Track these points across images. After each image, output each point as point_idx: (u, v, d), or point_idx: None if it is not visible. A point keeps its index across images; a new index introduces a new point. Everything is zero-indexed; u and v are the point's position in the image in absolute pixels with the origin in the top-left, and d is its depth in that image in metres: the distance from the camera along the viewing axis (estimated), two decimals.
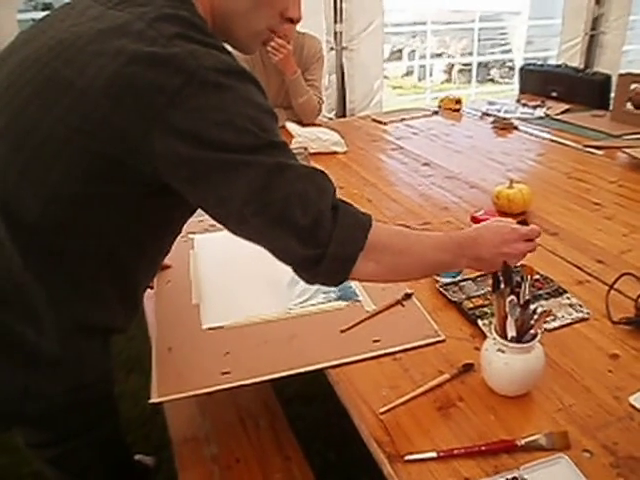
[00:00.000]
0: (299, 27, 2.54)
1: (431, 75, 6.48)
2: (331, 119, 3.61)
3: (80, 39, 0.82)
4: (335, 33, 3.59)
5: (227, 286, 1.22)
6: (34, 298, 0.88)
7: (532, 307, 0.91)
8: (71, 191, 0.84)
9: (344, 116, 3.77)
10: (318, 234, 0.82)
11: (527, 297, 0.90)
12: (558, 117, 2.64)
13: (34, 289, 0.88)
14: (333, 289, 1.26)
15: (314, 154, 2.13)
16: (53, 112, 0.81)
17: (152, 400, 0.99)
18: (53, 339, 0.91)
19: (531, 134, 2.43)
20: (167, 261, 1.40)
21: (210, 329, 1.15)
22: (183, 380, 1.01)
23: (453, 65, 8.23)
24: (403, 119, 2.77)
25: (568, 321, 1.12)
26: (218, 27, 0.92)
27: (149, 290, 1.39)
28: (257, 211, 0.81)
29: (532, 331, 0.90)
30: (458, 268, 1.01)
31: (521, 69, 3.32)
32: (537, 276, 1.25)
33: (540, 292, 1.20)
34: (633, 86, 2.45)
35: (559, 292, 1.21)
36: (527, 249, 0.99)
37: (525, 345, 0.89)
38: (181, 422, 1.42)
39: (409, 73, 8.53)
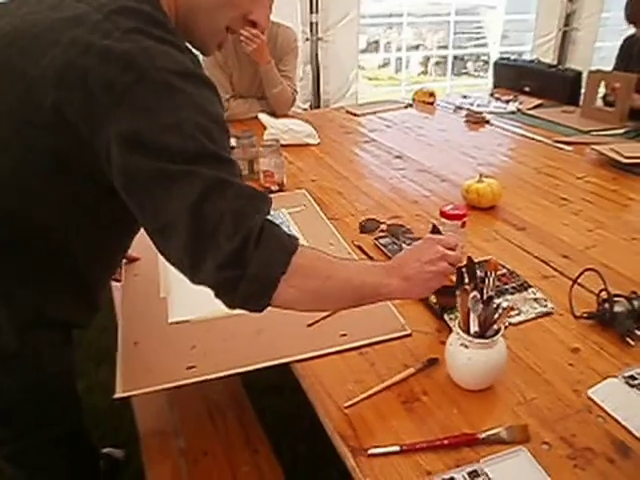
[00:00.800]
0: (273, 17, 2.52)
1: (407, 67, 6.49)
2: (305, 110, 3.60)
3: (35, 27, 0.80)
4: (311, 23, 3.57)
5: None
6: None
7: (496, 302, 0.92)
8: (20, 183, 0.82)
9: (319, 107, 3.76)
10: (241, 255, 0.79)
11: (491, 293, 0.91)
12: (530, 112, 2.67)
13: None
14: None
15: (286, 146, 2.12)
16: (3, 101, 0.80)
17: (116, 395, 0.98)
18: (9, 333, 0.90)
19: (503, 128, 2.45)
20: (135, 253, 1.38)
21: (177, 323, 1.15)
22: (148, 375, 1.01)
23: (429, 57, 8.25)
24: (377, 111, 2.77)
25: (532, 315, 1.14)
26: (181, 24, 0.90)
27: (117, 283, 1.37)
28: (187, 225, 0.78)
29: (495, 326, 0.91)
30: (390, 294, 0.96)
31: (495, 63, 3.34)
32: (504, 270, 1.27)
33: (506, 287, 1.22)
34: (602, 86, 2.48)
35: (524, 287, 1.22)
36: (447, 252, 0.98)
37: (488, 341, 0.90)
38: (149, 415, 1.41)
39: (385, 65, 8.52)
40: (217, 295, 0.84)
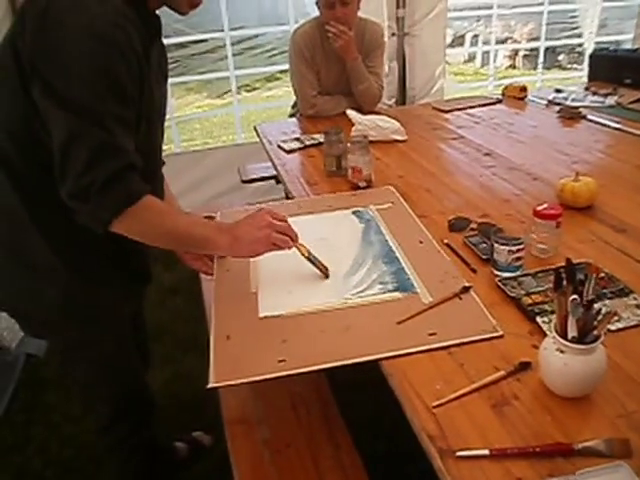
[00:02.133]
0: (361, 13, 2.52)
1: (495, 61, 6.29)
2: (390, 106, 3.57)
3: None
4: (397, 18, 3.53)
5: (285, 275, 1.23)
6: (24, 215, 1.11)
7: (596, 307, 0.88)
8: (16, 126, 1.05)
9: (404, 104, 3.72)
10: (83, 194, 1.00)
11: (591, 296, 0.87)
12: (631, 106, 2.51)
13: (21, 208, 1.11)
14: (390, 280, 1.26)
15: (373, 142, 2.11)
16: None
17: (210, 385, 1.02)
18: (48, 252, 1.14)
19: (600, 124, 2.32)
20: None
21: (267, 317, 1.17)
22: (240, 367, 1.03)
23: (517, 51, 7.94)
24: (464, 107, 2.70)
25: (634, 323, 1.07)
26: None
27: (209, 277, 1.43)
28: (57, 157, 1.01)
29: (595, 332, 0.86)
30: (218, 248, 1.19)
31: (591, 55, 3.17)
32: (602, 274, 1.20)
33: (604, 291, 1.16)
34: None
35: (625, 292, 1.16)
36: (274, 222, 1.17)
37: (586, 346, 0.86)
38: (235, 405, 1.46)
39: (471, 59, 8.30)
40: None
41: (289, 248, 1.22)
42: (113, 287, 1.26)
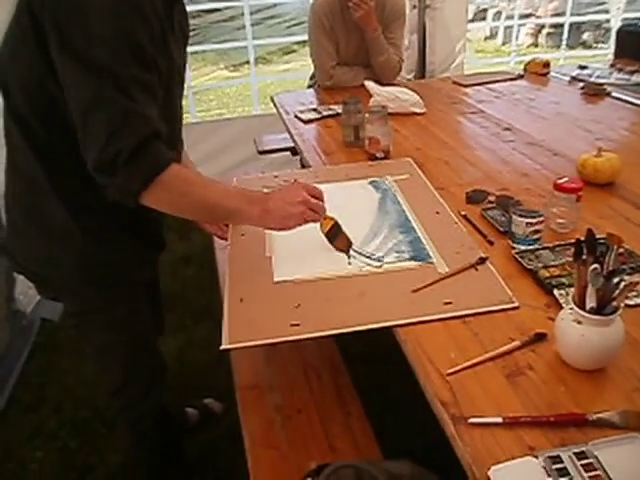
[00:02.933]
0: None
1: (517, 38, 6.15)
2: (410, 80, 3.52)
3: None
4: None
5: (301, 240, 1.23)
6: (40, 176, 1.10)
7: (615, 280, 0.86)
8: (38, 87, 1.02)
9: (423, 77, 3.66)
10: (110, 166, 0.96)
11: (611, 267, 0.85)
12: None
13: (38, 169, 1.10)
14: (406, 249, 1.25)
15: (392, 114, 2.07)
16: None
17: (223, 346, 1.02)
18: (62, 212, 1.13)
19: (625, 101, 2.26)
20: None
21: (281, 282, 1.17)
22: (253, 329, 1.04)
23: (541, 28, 7.77)
24: (485, 82, 2.65)
25: None
26: None
27: (222, 241, 1.43)
28: (78, 124, 0.98)
29: (614, 304, 0.85)
30: (247, 220, 1.16)
31: (619, 30, 3.10)
32: (621, 250, 1.18)
33: (623, 267, 1.14)
34: None
35: None
36: (309, 199, 1.15)
37: (605, 318, 0.85)
38: (247, 370, 1.47)
39: (493, 36, 8.14)
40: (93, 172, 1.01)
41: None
42: (127, 253, 1.26)
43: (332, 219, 1.23)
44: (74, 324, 1.34)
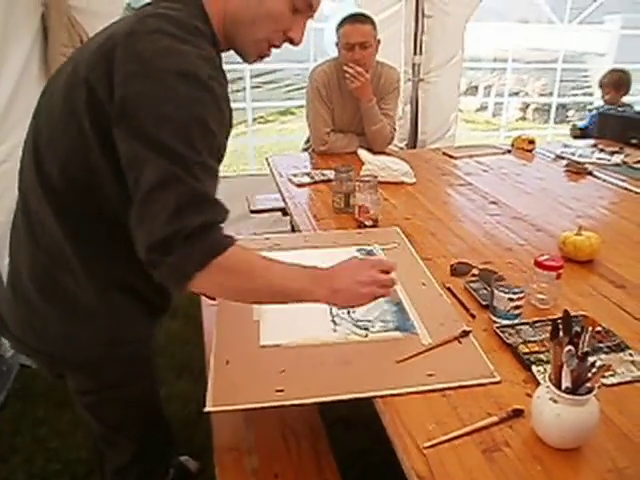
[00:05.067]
0: (378, 57, 2.60)
1: (507, 111, 6.41)
2: (402, 149, 3.64)
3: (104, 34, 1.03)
4: (413, 65, 3.63)
5: (288, 306, 1.25)
6: (67, 252, 1.05)
7: (591, 360, 0.89)
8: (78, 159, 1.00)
9: (415, 147, 3.78)
10: (167, 243, 0.91)
11: (586, 349, 0.88)
12: (636, 165, 2.56)
13: (66, 244, 1.05)
14: (391, 319, 1.28)
15: (382, 183, 2.15)
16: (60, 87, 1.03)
17: (207, 409, 1.02)
18: (88, 291, 1.08)
19: (606, 181, 2.36)
20: None
21: (268, 346, 1.18)
22: (238, 393, 1.04)
23: (529, 104, 8.09)
24: (474, 155, 2.75)
25: (628, 378, 1.08)
26: (227, 32, 1.08)
27: (211, 302, 1.44)
28: (138, 202, 0.94)
29: (588, 384, 0.88)
30: (313, 300, 1.08)
31: (600, 113, 3.24)
32: (599, 328, 1.22)
33: (600, 345, 1.17)
34: None
35: (621, 347, 1.17)
36: (380, 278, 1.10)
37: (579, 398, 0.87)
38: (226, 431, 1.45)
39: (483, 108, 8.46)
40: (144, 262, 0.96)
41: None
42: (148, 329, 1.23)
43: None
44: (88, 402, 1.25)
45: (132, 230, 0.95)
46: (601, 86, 3.50)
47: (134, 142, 0.93)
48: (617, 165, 2.59)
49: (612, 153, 2.73)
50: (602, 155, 2.72)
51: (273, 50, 1.14)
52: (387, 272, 1.13)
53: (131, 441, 1.31)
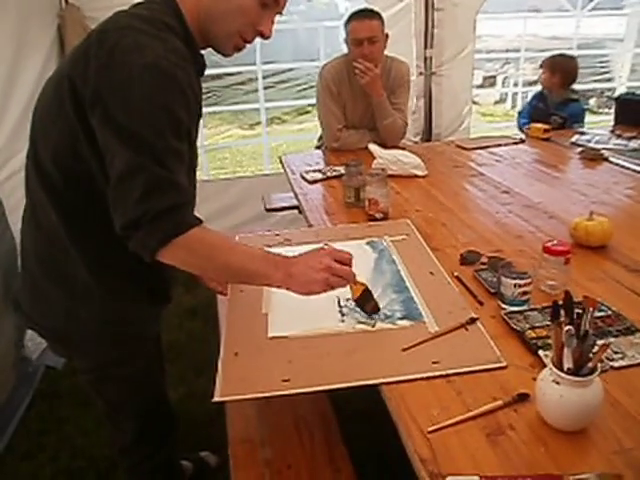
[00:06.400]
0: (388, 51, 2.60)
1: (524, 102, 6.32)
2: (416, 143, 3.63)
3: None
4: (425, 58, 3.61)
5: (296, 298, 1.27)
6: (63, 236, 1.15)
7: (592, 339, 0.89)
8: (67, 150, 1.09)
9: (429, 140, 3.77)
10: (137, 222, 1.01)
11: (587, 329, 0.88)
12: None
13: (60, 228, 1.14)
14: (398, 308, 1.28)
15: (394, 176, 2.16)
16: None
17: (214, 399, 1.05)
18: (83, 271, 1.18)
19: (622, 166, 2.32)
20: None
21: (275, 338, 1.20)
22: (246, 383, 1.07)
23: None
24: (487, 146, 2.73)
25: (638, 361, 1.07)
26: (202, 28, 1.15)
27: (224, 299, 1.46)
28: (112, 187, 1.04)
29: (590, 364, 0.87)
30: (270, 283, 1.15)
31: (618, 98, 3.19)
32: (609, 312, 1.21)
33: (610, 329, 1.16)
34: None
35: (631, 330, 1.16)
36: (333, 265, 1.13)
37: (582, 379, 0.87)
38: (239, 424, 1.48)
39: (502, 100, 8.36)
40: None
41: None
42: (144, 310, 1.30)
43: (363, 285, 1.23)
44: (89, 380, 1.34)
45: (111, 211, 1.06)
46: (541, 66, 3.35)
47: (106, 131, 1.02)
48: (634, 150, 2.54)
49: (629, 138, 2.69)
50: (619, 140, 2.68)
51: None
52: (348, 265, 1.17)
53: (129, 420, 1.39)
